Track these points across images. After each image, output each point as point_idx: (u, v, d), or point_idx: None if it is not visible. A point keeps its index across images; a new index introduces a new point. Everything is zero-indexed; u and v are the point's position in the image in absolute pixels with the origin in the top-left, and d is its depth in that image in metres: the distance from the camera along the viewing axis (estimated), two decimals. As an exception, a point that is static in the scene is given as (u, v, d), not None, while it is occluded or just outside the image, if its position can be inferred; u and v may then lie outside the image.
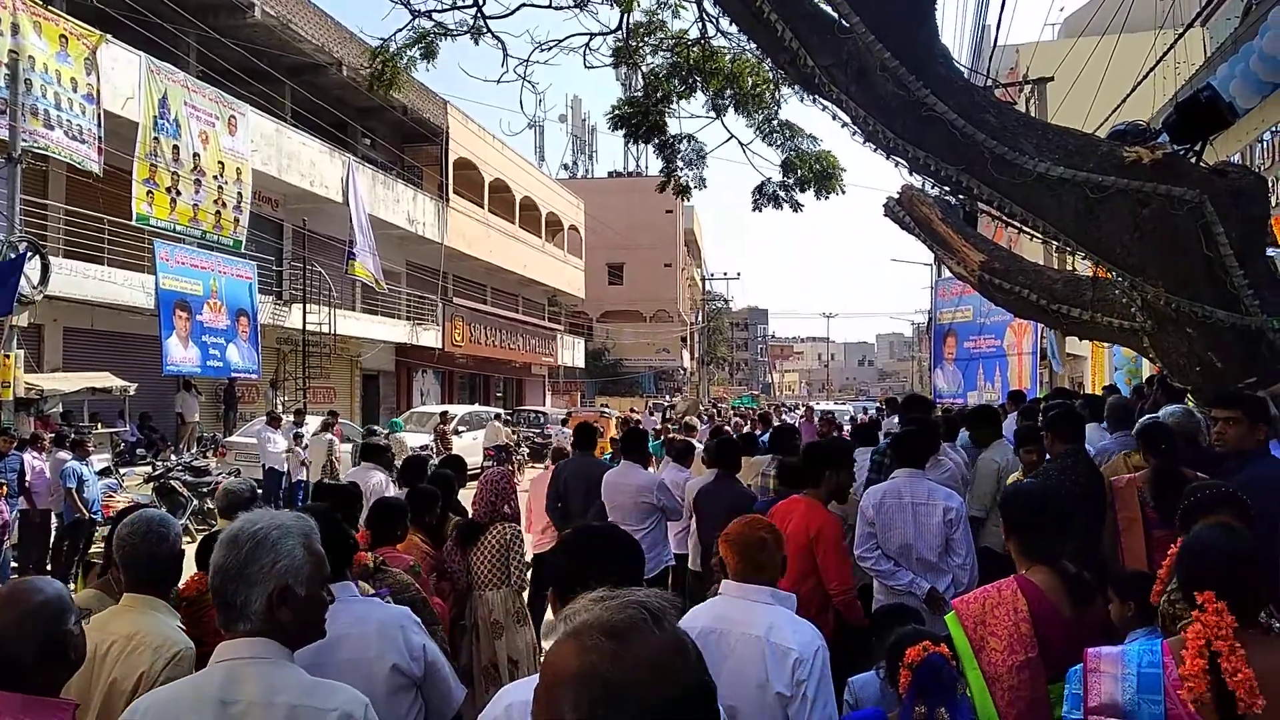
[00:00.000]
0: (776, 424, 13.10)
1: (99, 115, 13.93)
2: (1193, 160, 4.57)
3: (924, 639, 2.63)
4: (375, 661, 2.45)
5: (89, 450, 10.66)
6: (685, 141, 10.23)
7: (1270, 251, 4.50)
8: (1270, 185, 7.33)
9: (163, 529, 2.55)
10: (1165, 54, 9.03)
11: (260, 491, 13.43)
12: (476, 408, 24.89)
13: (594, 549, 2.17)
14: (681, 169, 10.41)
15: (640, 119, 9.86)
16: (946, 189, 5.29)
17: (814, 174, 9.63)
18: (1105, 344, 12.55)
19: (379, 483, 6.83)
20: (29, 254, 11.95)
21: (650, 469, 7.19)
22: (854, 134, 4.76)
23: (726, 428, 12.26)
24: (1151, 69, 9.36)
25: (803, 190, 9.83)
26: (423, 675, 2.56)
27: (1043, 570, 2.73)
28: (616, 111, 10.02)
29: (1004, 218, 4.87)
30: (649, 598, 1.18)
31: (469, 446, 19.15)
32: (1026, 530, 2.81)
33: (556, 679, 1.15)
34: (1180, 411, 4.90)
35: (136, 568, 2.49)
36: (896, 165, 4.79)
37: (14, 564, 10.06)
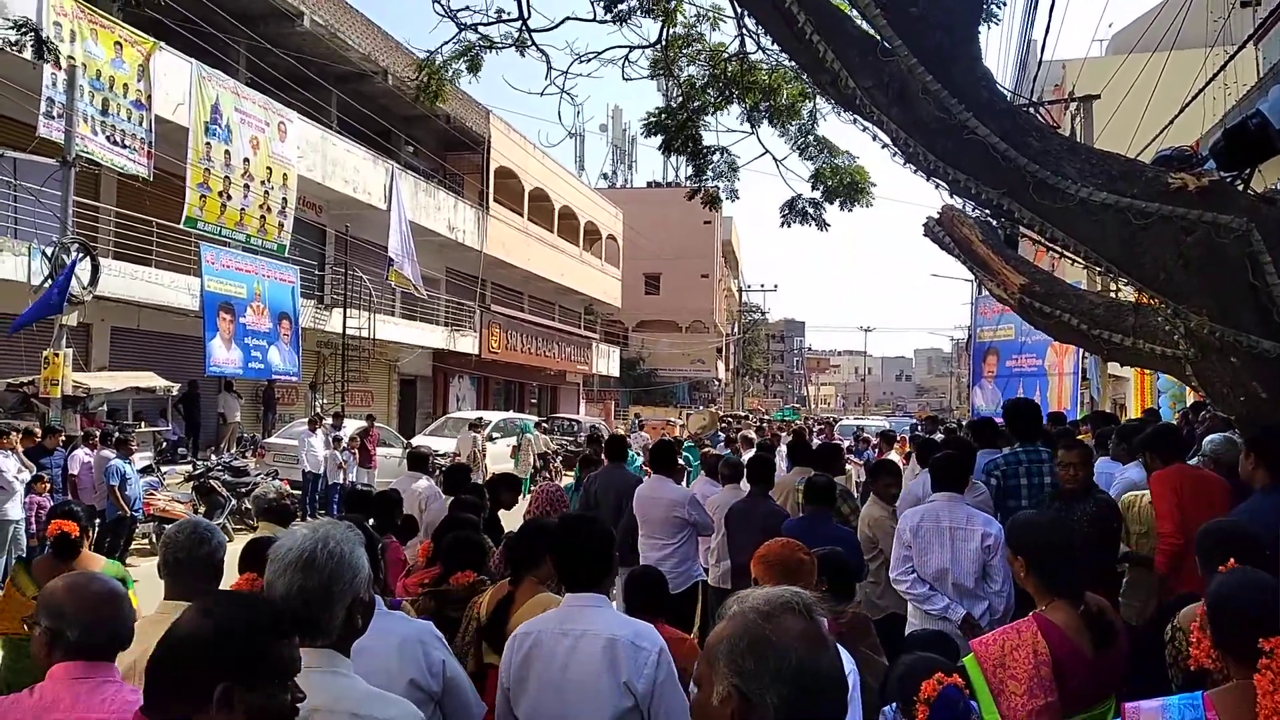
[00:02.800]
0: (819, 440, 12.99)
1: (150, 121, 14.26)
2: (1240, 187, 4.49)
3: (935, 668, 2.53)
4: (394, 675, 2.47)
5: (132, 449, 10.90)
6: (719, 154, 10.23)
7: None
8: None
9: (208, 533, 2.69)
10: (1216, 75, 8.87)
11: (298, 493, 13.76)
12: (511, 414, 25.03)
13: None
14: (711, 179, 10.42)
15: (676, 130, 9.88)
16: (987, 211, 5.25)
17: (843, 186, 9.61)
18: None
19: (423, 489, 6.87)
20: (80, 255, 12.25)
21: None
22: (894, 155, 4.73)
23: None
24: (1201, 89, 9.19)
25: (831, 201, 9.81)
26: (441, 691, 2.57)
27: (1064, 608, 2.67)
28: (653, 119, 10.06)
29: (1045, 242, 4.81)
30: (801, 593, 1.32)
31: (502, 453, 19.27)
32: (1048, 563, 2.73)
33: (716, 638, 1.30)
34: (1221, 440, 4.83)
35: (179, 573, 2.58)
36: (937, 187, 4.76)
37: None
